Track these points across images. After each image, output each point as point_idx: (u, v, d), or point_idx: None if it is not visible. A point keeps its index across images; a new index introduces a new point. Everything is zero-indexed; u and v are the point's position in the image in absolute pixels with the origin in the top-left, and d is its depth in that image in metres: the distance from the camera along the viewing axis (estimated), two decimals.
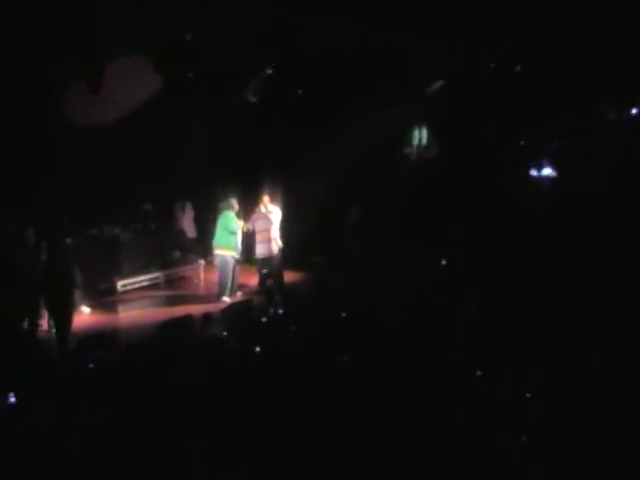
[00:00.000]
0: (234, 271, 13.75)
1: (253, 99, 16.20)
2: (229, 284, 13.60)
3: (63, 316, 11.09)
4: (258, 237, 13.90)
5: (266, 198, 13.91)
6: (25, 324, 11.19)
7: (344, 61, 14.47)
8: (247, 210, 14.25)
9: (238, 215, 13.75)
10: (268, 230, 13.81)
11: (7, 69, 11.55)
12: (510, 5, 11.97)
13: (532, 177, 15.83)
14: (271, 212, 13.91)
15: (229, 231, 13.50)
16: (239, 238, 13.70)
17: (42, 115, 13.09)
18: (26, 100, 12.42)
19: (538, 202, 14.60)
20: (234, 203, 13.71)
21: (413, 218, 14.81)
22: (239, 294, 13.74)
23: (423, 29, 12.72)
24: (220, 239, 13.64)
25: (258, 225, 13.83)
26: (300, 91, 16.06)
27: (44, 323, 11.58)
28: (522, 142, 16.23)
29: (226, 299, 13.26)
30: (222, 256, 13.62)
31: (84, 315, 12.53)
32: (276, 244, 13.87)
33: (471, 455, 5.73)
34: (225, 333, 9.24)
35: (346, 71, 14.88)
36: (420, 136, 17.79)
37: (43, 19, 10.73)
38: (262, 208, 13.89)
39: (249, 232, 13.92)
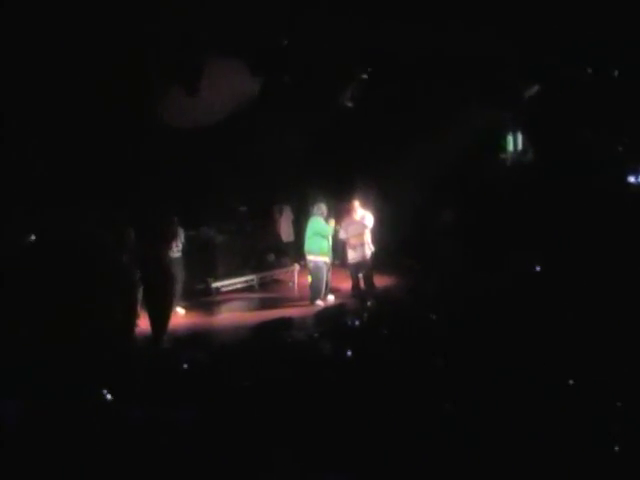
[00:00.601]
0: (327, 275, 13.74)
1: (349, 103, 16.16)
2: (322, 288, 13.59)
3: (161, 316, 11.29)
4: (350, 242, 13.85)
5: (357, 203, 13.86)
6: (123, 322, 11.45)
7: (439, 65, 14.27)
8: (339, 215, 14.23)
9: (327, 220, 13.71)
10: (360, 235, 13.74)
11: (106, 70, 11.82)
12: (605, 6, 11.57)
13: (631, 184, 15.29)
14: (363, 217, 13.83)
15: (320, 236, 13.49)
16: (330, 242, 13.68)
17: (140, 117, 13.37)
18: (124, 102, 12.69)
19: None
20: (323, 208, 13.68)
21: (507, 222, 14.49)
22: (331, 298, 13.71)
23: (519, 32, 12.45)
24: (311, 245, 13.64)
25: (350, 230, 13.78)
26: (393, 95, 15.92)
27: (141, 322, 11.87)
28: (620, 148, 15.67)
29: (319, 303, 13.25)
30: (315, 261, 13.63)
31: (179, 316, 12.71)
32: (368, 248, 13.79)
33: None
34: (317, 336, 9.20)
35: (441, 75, 14.70)
36: (516, 140, 17.43)
37: (141, 20, 10.93)
38: (354, 213, 13.83)
39: (339, 235, 13.87)
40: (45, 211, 12.06)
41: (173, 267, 12.34)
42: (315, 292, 13.55)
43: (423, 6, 11.62)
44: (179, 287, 12.86)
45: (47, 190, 11.87)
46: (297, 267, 15.46)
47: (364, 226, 13.74)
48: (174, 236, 12.65)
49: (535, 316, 9.10)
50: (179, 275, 12.85)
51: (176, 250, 12.87)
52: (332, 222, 13.73)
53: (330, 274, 13.91)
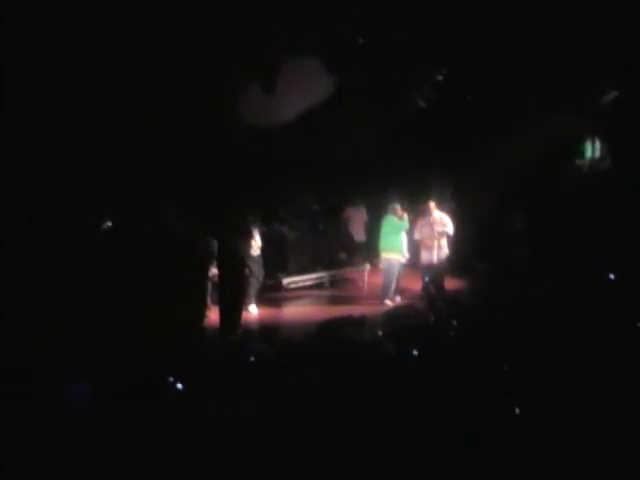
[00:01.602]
0: (398, 275, 13.76)
1: (423, 104, 16.12)
2: (392, 287, 13.62)
3: (232, 310, 11.51)
4: (424, 243, 13.82)
5: (432, 204, 13.82)
6: (194, 314, 11.70)
7: (515, 69, 14.13)
8: (414, 215, 14.22)
9: (402, 218, 13.71)
10: (434, 237, 13.71)
11: (184, 68, 12.06)
12: None
13: None
14: (440, 218, 13.79)
15: (394, 233, 13.52)
16: (405, 241, 13.69)
17: (217, 114, 13.58)
18: (202, 99, 12.92)
19: None
20: (397, 208, 13.69)
21: (582, 229, 14.24)
22: (398, 298, 13.72)
23: (599, 37, 12.23)
24: (386, 242, 13.70)
25: (425, 231, 13.76)
26: (469, 97, 15.81)
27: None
28: None
29: (388, 302, 13.28)
30: (388, 259, 13.66)
31: (251, 313, 12.93)
32: (443, 251, 13.75)
33: None
34: (383, 335, 9.24)
35: (517, 79, 14.54)
36: (594, 147, 17.12)
37: (219, 19, 11.11)
38: (429, 214, 13.80)
39: (413, 235, 13.86)
40: (122, 204, 12.39)
41: (251, 264, 12.59)
42: (386, 290, 13.59)
43: (502, 10, 11.52)
44: (256, 286, 13.10)
45: (125, 183, 12.17)
46: (368, 266, 15.50)
47: (442, 227, 13.69)
48: (249, 232, 12.85)
49: (607, 325, 8.95)
50: (258, 274, 13.08)
51: (256, 247, 13.07)
52: (406, 219, 13.72)
53: (401, 274, 13.94)
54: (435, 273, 13.78)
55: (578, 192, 16.01)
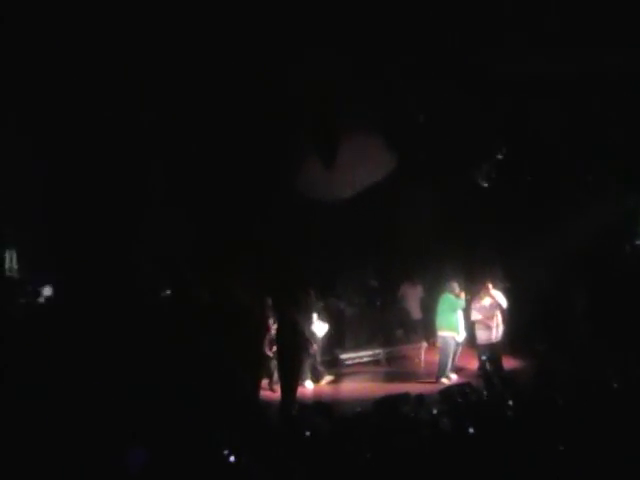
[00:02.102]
0: (455, 353, 13.70)
1: (484, 183, 16.24)
2: (448, 364, 13.55)
3: (291, 381, 11.59)
4: (481, 322, 13.76)
5: (490, 284, 13.81)
6: (249, 384, 11.82)
7: (575, 147, 14.21)
8: (471, 295, 14.20)
9: (458, 296, 13.71)
10: (492, 316, 13.65)
11: (239, 144, 12.41)
12: None
13: None
14: (494, 297, 13.75)
15: (451, 310, 13.52)
16: (461, 319, 13.66)
17: (276, 188, 13.89)
18: (259, 173, 13.25)
19: None
20: (455, 286, 13.71)
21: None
22: (454, 377, 13.62)
23: None
24: (442, 320, 13.69)
25: (481, 311, 13.72)
26: (530, 177, 15.91)
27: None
28: None
29: (444, 380, 13.19)
30: (444, 337, 13.64)
31: (307, 387, 13.00)
32: (499, 329, 13.67)
33: None
34: (437, 413, 9.19)
35: (575, 156, 14.61)
36: None
37: (285, 92, 11.46)
38: (485, 294, 13.78)
39: (470, 316, 13.82)
40: (192, 271, 12.69)
41: (311, 337, 12.74)
42: (442, 368, 13.52)
43: (559, 90, 11.67)
44: (316, 360, 13.20)
45: (196, 251, 12.50)
46: (425, 344, 15.46)
47: (497, 306, 13.65)
48: (310, 306, 13.00)
49: None
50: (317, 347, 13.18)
51: (319, 324, 13.21)
52: (462, 297, 13.72)
53: (459, 352, 13.88)
54: (493, 352, 13.66)
55: (635, 271, 15.86)
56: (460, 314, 13.65)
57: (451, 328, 13.58)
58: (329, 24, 10.40)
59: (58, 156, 11.33)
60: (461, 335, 13.74)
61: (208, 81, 10.78)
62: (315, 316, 13.28)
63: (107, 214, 11.29)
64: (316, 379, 13.32)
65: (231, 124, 11.96)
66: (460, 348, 13.98)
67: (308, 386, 13.04)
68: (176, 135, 11.56)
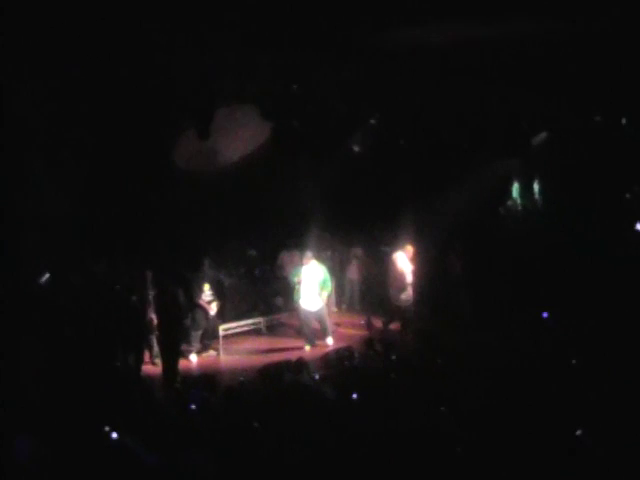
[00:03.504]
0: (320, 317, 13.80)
1: (357, 148, 16.43)
2: (329, 329, 13.77)
3: (173, 354, 11.51)
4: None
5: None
6: (131, 360, 11.67)
7: (447, 111, 14.55)
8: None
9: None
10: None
11: (119, 117, 12.10)
12: (615, 57, 11.81)
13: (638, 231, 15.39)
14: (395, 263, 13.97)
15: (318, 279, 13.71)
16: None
17: (153, 160, 13.64)
18: (137, 146, 12.97)
19: None
20: (308, 256, 13.84)
21: (518, 272, 14.55)
22: (330, 340, 13.79)
23: (528, 82, 12.71)
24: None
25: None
26: (402, 142, 16.20)
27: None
28: (628, 195, 15.82)
29: (329, 341, 13.43)
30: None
31: (191, 360, 12.96)
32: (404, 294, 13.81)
33: None
34: (319, 378, 9.35)
35: (449, 121, 14.98)
36: (526, 189, 17.64)
37: (155, 67, 11.21)
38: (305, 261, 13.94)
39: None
40: (64, 252, 12.34)
41: (194, 312, 12.66)
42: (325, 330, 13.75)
43: (438, 58, 11.83)
44: (198, 334, 13.13)
45: (66, 232, 12.14)
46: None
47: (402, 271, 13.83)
48: (187, 280, 12.89)
49: (545, 368, 9.14)
50: (202, 321, 13.10)
51: (209, 295, 13.12)
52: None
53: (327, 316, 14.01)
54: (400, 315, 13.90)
55: (511, 233, 16.48)
56: (323, 282, 13.72)
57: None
58: None
59: None
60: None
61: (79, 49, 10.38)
62: (207, 287, 13.17)
63: None
64: (200, 351, 13.24)
65: (103, 91, 11.60)
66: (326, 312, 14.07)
67: (192, 359, 12.95)
68: (51, 111, 11.13)
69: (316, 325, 13.86)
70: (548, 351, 9.89)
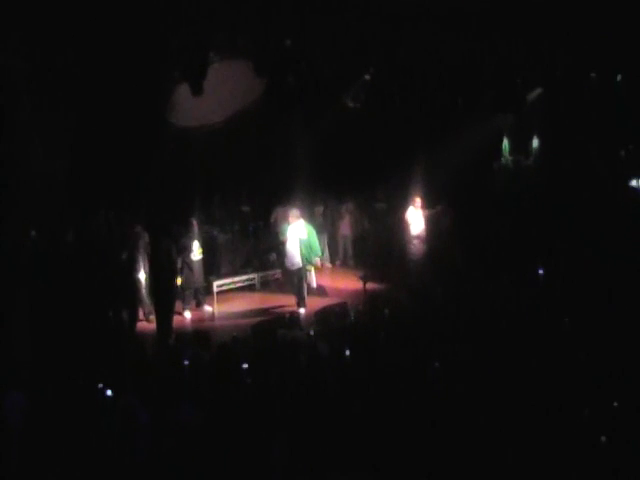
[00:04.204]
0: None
1: (352, 104, 16.31)
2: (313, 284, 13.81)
3: (166, 311, 11.55)
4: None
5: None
6: (125, 316, 11.71)
7: (441, 67, 14.46)
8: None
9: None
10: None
11: (111, 70, 11.98)
12: (612, 13, 11.71)
13: (632, 188, 15.38)
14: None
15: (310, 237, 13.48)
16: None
17: (146, 115, 13.53)
18: (130, 100, 12.86)
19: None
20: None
21: (508, 226, 14.58)
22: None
23: (522, 36, 12.62)
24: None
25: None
26: (396, 98, 16.10)
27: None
28: (623, 152, 15.79)
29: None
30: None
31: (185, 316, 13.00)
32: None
33: None
34: (312, 334, 9.41)
35: (444, 77, 14.90)
36: (519, 144, 17.58)
37: (148, 21, 11.08)
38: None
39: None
40: (55, 208, 12.32)
41: (186, 269, 12.64)
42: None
43: (432, 12, 11.74)
44: (192, 290, 13.14)
45: (56, 188, 12.11)
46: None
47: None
48: (191, 235, 12.87)
49: (533, 321, 9.20)
50: (199, 277, 13.09)
51: (197, 253, 13.09)
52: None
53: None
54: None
55: (503, 188, 16.48)
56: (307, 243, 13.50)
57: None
58: None
59: None
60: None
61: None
62: (196, 244, 13.12)
63: None
64: (195, 306, 13.28)
65: (95, 44, 11.47)
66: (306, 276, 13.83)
67: (187, 315, 12.98)
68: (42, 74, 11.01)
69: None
70: (538, 305, 9.95)
